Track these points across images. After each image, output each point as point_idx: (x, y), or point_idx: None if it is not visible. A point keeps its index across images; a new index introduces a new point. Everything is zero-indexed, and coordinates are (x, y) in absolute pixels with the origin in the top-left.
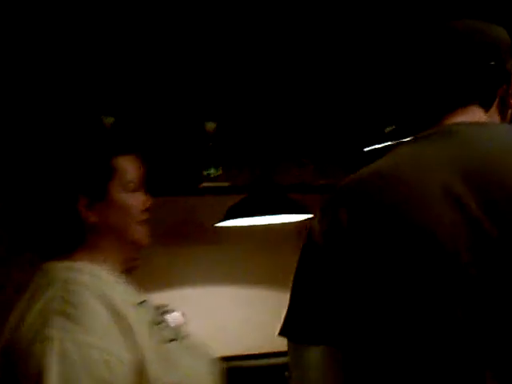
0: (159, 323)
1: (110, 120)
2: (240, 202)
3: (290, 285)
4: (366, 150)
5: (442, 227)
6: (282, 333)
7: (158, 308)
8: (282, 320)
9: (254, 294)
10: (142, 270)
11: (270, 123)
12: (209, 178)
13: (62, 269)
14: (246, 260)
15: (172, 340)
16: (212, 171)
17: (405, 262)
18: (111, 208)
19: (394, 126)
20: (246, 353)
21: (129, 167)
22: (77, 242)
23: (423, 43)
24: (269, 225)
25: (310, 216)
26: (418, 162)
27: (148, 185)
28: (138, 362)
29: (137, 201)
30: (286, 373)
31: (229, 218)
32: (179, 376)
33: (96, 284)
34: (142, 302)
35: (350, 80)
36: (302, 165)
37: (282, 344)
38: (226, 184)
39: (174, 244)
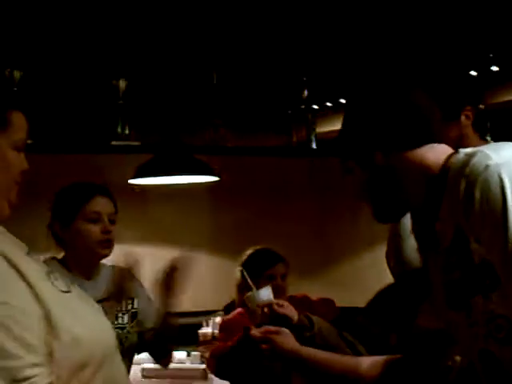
0: (50, 273)
1: (17, 74)
2: (148, 161)
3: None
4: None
5: None
6: None
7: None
8: None
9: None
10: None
11: (183, 83)
12: (119, 137)
13: None
14: (159, 219)
15: (67, 292)
16: (121, 129)
17: None
18: None
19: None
20: None
21: (22, 125)
22: None
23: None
24: (176, 184)
25: (216, 178)
26: None
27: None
28: (46, 313)
29: (20, 161)
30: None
31: (137, 177)
32: (86, 328)
33: None
34: (28, 253)
35: (268, 40)
36: (214, 126)
37: (193, 304)
38: (136, 143)
39: None
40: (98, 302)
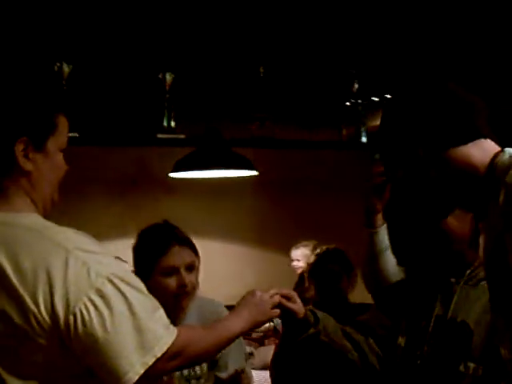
0: None
1: (66, 68)
2: (187, 155)
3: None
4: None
5: None
6: None
7: None
8: None
9: (210, 246)
10: (98, 218)
11: (229, 76)
12: (165, 130)
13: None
14: (199, 211)
15: None
16: (167, 123)
17: None
18: (46, 161)
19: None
20: None
21: (66, 127)
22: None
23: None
24: (218, 178)
25: (255, 172)
26: None
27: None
28: None
29: (63, 162)
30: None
31: (177, 171)
32: None
33: None
34: None
35: (316, 33)
36: (260, 119)
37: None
38: (181, 136)
39: (129, 193)
40: None
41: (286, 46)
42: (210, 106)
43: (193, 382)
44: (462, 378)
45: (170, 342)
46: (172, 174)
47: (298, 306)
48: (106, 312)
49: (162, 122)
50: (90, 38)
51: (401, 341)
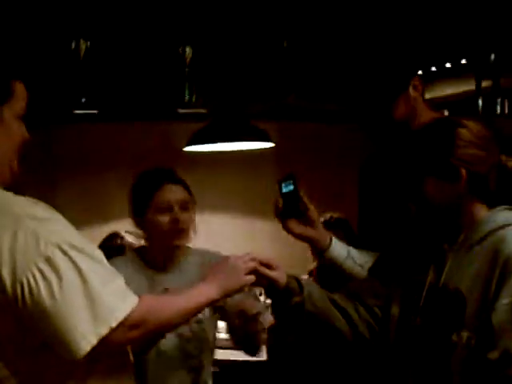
0: None
1: (83, 44)
2: (201, 128)
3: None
4: None
5: None
6: None
7: None
8: None
9: (228, 220)
10: (115, 194)
11: (251, 50)
12: (186, 105)
13: None
14: (219, 185)
15: None
16: (188, 97)
17: None
18: (1, 129)
19: None
20: None
21: (23, 94)
22: None
23: None
24: (240, 150)
25: (272, 144)
26: None
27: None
28: None
29: (22, 130)
30: None
31: (193, 144)
32: None
33: None
34: None
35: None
36: (283, 93)
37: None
38: (202, 111)
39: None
40: None
41: (308, 18)
42: (231, 80)
43: (194, 325)
44: (454, 347)
45: (128, 312)
46: (187, 148)
47: (278, 273)
48: (54, 280)
49: (183, 96)
50: (107, 13)
51: (394, 311)
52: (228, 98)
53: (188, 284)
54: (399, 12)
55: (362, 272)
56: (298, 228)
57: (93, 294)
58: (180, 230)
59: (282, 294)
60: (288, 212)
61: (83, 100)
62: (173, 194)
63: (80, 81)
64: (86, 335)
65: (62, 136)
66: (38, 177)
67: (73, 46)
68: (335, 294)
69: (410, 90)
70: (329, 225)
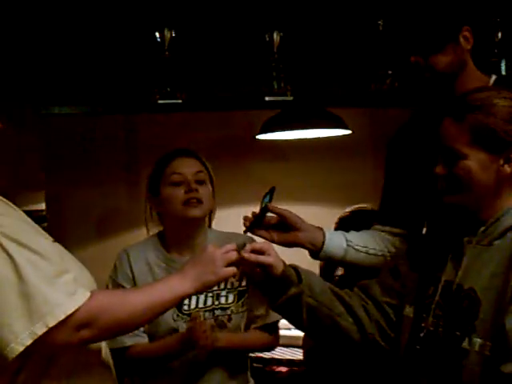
0: None
1: (168, 33)
2: (274, 116)
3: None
4: None
5: None
6: None
7: None
8: None
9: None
10: None
11: (342, 34)
12: (272, 92)
13: None
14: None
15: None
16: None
17: None
18: None
19: None
20: None
21: None
22: None
23: None
24: (310, 139)
25: (348, 131)
26: None
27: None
28: None
29: None
30: None
31: (265, 132)
32: None
33: None
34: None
35: None
36: (380, 77)
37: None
38: (289, 98)
39: (241, 158)
40: None
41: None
42: (315, 67)
43: (217, 312)
44: (465, 355)
45: (72, 310)
46: (259, 136)
47: (273, 258)
48: None
49: (271, 84)
50: (191, 1)
51: (408, 311)
52: (311, 84)
53: None
54: None
55: (369, 258)
56: (281, 236)
57: (29, 290)
58: (197, 199)
59: (278, 284)
60: (255, 224)
61: (168, 89)
62: (185, 166)
63: (165, 70)
64: (18, 334)
65: (146, 124)
66: (120, 164)
67: (157, 35)
68: (344, 289)
69: (461, 39)
70: (344, 221)
